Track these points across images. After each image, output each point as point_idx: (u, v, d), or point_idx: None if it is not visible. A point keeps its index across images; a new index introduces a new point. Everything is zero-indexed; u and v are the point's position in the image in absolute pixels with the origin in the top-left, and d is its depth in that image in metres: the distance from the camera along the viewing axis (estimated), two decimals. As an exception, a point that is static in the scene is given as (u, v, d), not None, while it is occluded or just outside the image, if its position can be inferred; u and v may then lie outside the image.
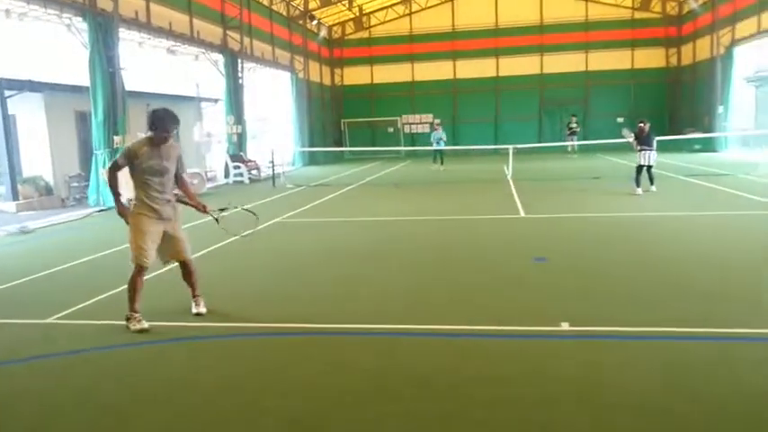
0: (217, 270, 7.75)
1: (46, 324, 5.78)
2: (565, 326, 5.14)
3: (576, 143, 28.81)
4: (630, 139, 14.03)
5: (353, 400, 3.93)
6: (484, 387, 4.02)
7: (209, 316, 5.75)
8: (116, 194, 5.62)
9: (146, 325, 5.40)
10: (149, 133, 5.43)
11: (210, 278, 6.90)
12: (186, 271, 5.81)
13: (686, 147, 27.67)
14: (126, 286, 5.56)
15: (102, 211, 14.56)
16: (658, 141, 14.15)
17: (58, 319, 5.91)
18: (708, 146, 27.46)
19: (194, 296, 5.85)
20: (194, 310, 5.78)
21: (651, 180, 13.76)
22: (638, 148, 13.52)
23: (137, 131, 18.07)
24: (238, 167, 21.83)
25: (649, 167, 13.59)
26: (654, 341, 4.80)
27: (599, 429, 3.44)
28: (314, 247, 9.23)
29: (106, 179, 5.67)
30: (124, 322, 5.46)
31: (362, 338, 5.11)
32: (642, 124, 13.66)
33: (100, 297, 6.60)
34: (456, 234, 9.95)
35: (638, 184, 13.62)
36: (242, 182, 21.46)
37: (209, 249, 8.99)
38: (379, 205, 14.11)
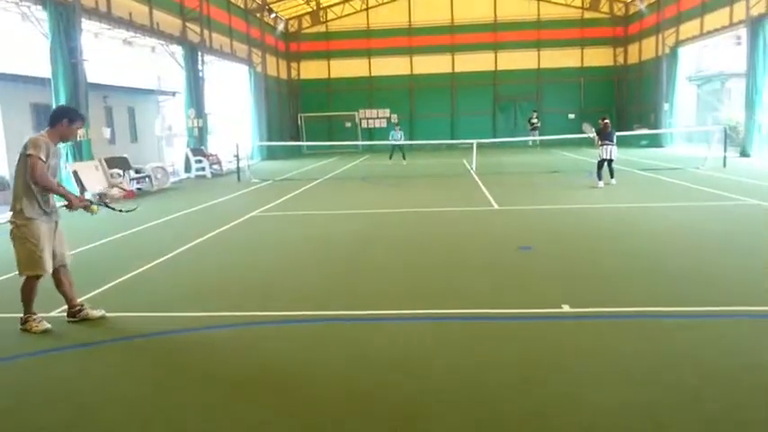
0: (212, 265, 7.80)
1: (50, 318, 5.73)
2: (566, 308, 5.49)
3: (537, 138, 29.59)
4: (592, 134, 14.66)
5: (387, 387, 4.14)
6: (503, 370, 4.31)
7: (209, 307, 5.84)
8: (61, 190, 5.36)
9: (48, 325, 5.27)
10: (49, 129, 5.18)
11: (208, 273, 6.95)
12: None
13: (634, 142, 28.90)
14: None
15: (65, 206, 14.16)
16: (611, 136, 14.89)
17: (60, 312, 5.87)
18: (654, 141, 28.77)
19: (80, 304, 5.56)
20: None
21: (612, 173, 14.42)
22: (600, 143, 14.14)
23: (98, 125, 17.69)
24: (200, 161, 21.55)
25: (610, 161, 14.23)
26: (643, 319, 5.20)
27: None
28: (300, 239, 9.34)
29: (36, 182, 5.03)
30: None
31: (379, 324, 5.32)
32: (604, 120, 14.28)
33: (106, 287, 6.57)
34: (438, 225, 10.24)
35: (599, 178, 14.24)
36: (204, 176, 21.20)
37: (192, 243, 8.99)
38: (353, 198, 14.28)
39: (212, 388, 4.08)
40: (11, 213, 5.19)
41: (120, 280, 6.99)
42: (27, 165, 5.03)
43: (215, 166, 22.21)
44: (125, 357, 4.76)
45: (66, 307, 5.64)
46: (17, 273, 5.30)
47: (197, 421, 3.63)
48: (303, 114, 36.67)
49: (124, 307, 5.97)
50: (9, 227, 5.22)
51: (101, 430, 3.58)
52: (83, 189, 14.65)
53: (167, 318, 5.62)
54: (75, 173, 14.74)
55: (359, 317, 5.48)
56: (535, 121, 31.59)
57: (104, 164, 15.99)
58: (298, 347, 4.79)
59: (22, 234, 5.12)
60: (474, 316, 5.43)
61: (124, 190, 15.65)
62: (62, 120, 5.21)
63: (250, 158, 27.95)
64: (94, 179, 15.23)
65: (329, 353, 4.64)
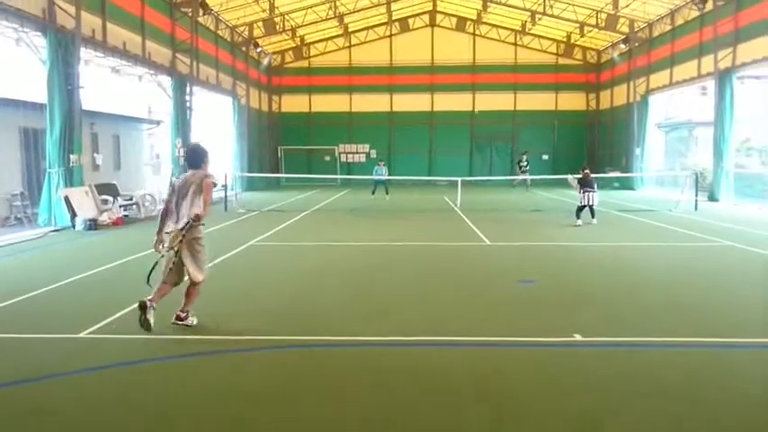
0: (234, 288, 7.99)
1: (77, 339, 5.86)
2: (578, 336, 5.87)
3: (528, 177, 29.99)
4: (574, 183, 15.43)
5: (421, 407, 4.43)
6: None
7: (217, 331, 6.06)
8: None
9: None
10: (203, 166, 6.30)
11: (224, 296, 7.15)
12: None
13: (607, 184, 29.92)
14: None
15: (56, 231, 14.16)
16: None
17: (89, 333, 6.00)
18: (626, 184, 29.88)
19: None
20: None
21: (593, 214, 15.03)
22: (582, 190, 14.88)
23: (87, 152, 17.72)
24: (185, 191, 21.59)
25: (591, 206, 14.91)
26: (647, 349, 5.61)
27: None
28: (307, 268, 9.58)
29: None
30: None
31: (403, 349, 5.61)
32: (585, 170, 15.22)
33: (126, 310, 6.70)
34: (436, 259, 10.58)
35: (578, 217, 14.93)
36: (189, 205, 21.20)
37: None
38: (346, 231, 14.56)
39: (230, 406, 4.30)
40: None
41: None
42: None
43: (199, 196, 22.25)
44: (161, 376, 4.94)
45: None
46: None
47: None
48: (283, 147, 37.03)
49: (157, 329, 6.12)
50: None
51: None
52: (74, 214, 14.64)
53: (204, 340, 5.81)
54: (66, 198, 14.74)
55: (385, 342, 5.77)
56: (525, 163, 31.54)
57: (94, 190, 16.01)
58: (322, 371, 5.04)
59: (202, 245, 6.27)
60: (491, 343, 5.77)
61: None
62: (206, 159, 6.37)
63: (231, 189, 28.10)
64: (85, 205, 15.23)
65: (358, 378, 4.91)
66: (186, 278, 6.15)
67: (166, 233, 6.08)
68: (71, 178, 15.42)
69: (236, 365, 5.17)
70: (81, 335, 5.95)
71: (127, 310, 6.78)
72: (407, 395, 4.47)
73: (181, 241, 5.95)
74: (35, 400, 4.41)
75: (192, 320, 6.18)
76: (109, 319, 6.43)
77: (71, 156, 15.21)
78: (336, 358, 5.39)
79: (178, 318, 6.14)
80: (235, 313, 6.86)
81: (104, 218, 15.43)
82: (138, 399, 4.44)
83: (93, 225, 14.49)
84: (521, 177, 30.65)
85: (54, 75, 14.82)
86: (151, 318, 5.88)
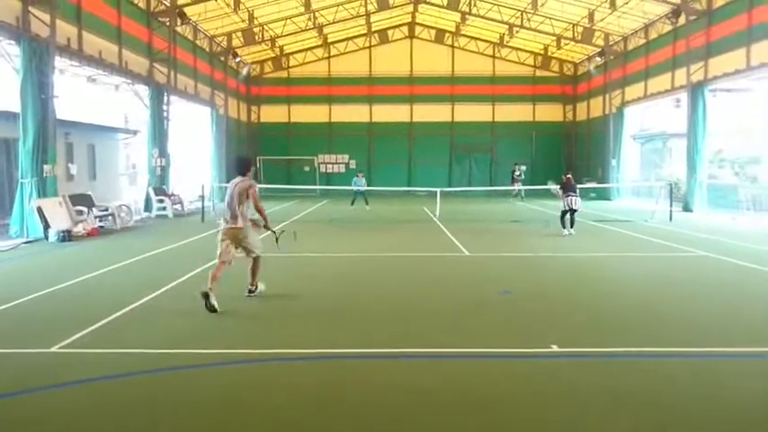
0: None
1: (48, 354, 5.73)
2: (555, 347, 5.88)
3: (522, 188, 30.07)
4: (557, 191, 15.57)
5: (401, 419, 4.39)
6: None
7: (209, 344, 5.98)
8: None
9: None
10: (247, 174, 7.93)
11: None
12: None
13: (583, 195, 30.12)
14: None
15: (28, 242, 13.89)
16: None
17: (60, 348, 5.87)
18: (602, 195, 30.25)
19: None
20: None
21: (572, 223, 15.18)
22: (565, 195, 15.01)
23: (61, 162, 17.44)
24: (162, 201, 21.38)
25: (574, 211, 15.04)
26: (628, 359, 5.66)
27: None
28: (283, 280, 9.49)
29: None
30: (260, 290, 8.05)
31: (389, 362, 5.58)
32: (567, 176, 15.40)
33: (98, 324, 6.57)
34: (414, 270, 10.56)
35: (564, 226, 15.06)
36: (166, 216, 21.01)
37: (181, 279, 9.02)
38: (325, 242, 14.46)
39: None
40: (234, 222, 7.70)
41: (112, 317, 6.99)
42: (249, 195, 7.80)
43: (177, 206, 22.06)
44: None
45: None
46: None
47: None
48: (262, 157, 36.83)
49: (120, 343, 6.02)
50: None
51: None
52: (47, 226, 14.38)
53: (171, 354, 5.71)
54: (39, 209, 14.47)
55: (362, 355, 5.73)
56: (518, 173, 31.56)
57: (68, 201, 15.73)
58: (307, 383, 4.99)
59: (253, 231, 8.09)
60: (473, 355, 5.76)
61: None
62: (249, 167, 8.10)
63: (210, 199, 27.86)
64: (58, 216, 14.95)
65: (345, 391, 4.86)
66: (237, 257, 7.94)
67: (225, 227, 7.75)
68: (44, 189, 15.13)
69: (213, 379, 5.09)
70: (52, 349, 5.81)
71: (99, 324, 6.66)
72: (386, 408, 4.44)
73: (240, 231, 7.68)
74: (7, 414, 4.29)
75: (262, 288, 8.08)
76: (81, 333, 6.29)
77: (45, 166, 14.94)
78: (312, 372, 5.33)
79: (250, 291, 8.05)
80: (206, 327, 6.76)
81: (79, 229, 15.17)
82: (112, 414, 4.34)
83: (66, 236, 14.23)
84: (517, 188, 30.71)
85: (28, 84, 14.58)
86: (214, 302, 7.10)
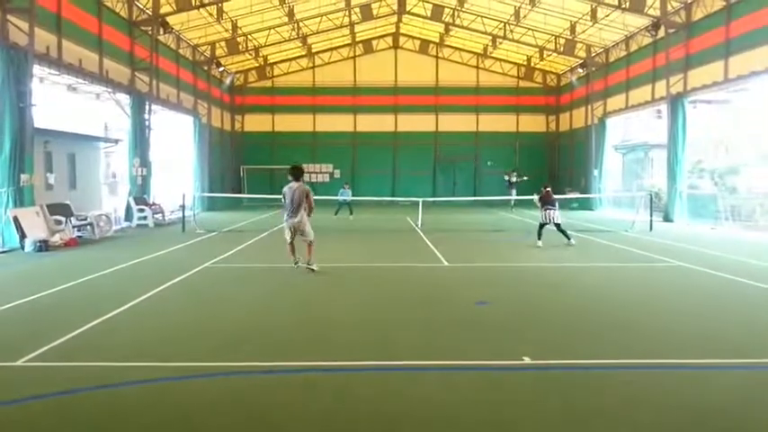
0: (176, 315, 7.77)
1: (14, 367, 5.63)
2: (527, 359, 5.87)
3: (514, 197, 28.99)
4: (535, 198, 15.61)
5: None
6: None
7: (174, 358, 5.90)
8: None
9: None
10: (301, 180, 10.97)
11: (173, 323, 6.96)
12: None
13: (566, 205, 30.38)
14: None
15: (4, 252, 13.70)
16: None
17: (26, 362, 5.76)
18: (584, 205, 30.46)
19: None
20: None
21: (566, 236, 15.07)
22: (543, 208, 15.04)
23: (39, 171, 17.23)
24: (143, 210, 21.20)
25: (557, 225, 15.02)
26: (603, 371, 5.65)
27: None
28: (260, 292, 9.42)
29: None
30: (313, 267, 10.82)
31: (370, 374, 5.53)
32: (546, 188, 15.41)
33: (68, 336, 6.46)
34: (392, 281, 10.52)
35: (539, 237, 15.05)
36: (146, 225, 20.83)
37: (140, 298, 8.92)
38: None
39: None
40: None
41: (81, 330, 6.88)
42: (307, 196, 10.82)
43: (157, 216, 21.88)
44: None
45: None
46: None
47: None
48: (245, 166, 36.73)
49: (95, 356, 5.92)
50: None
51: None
52: (23, 235, 14.19)
53: (131, 368, 5.63)
54: (15, 218, 14.29)
55: (332, 367, 5.68)
56: (515, 179, 30.01)
57: (45, 210, 15.54)
58: (281, 397, 4.93)
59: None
60: (441, 367, 5.72)
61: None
62: (303, 174, 11.11)
63: (192, 209, 27.66)
64: (35, 225, 14.76)
65: (317, 402, 4.81)
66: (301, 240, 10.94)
67: (288, 221, 10.74)
68: (21, 198, 14.96)
69: (188, 392, 5.02)
70: (18, 363, 5.71)
71: (69, 336, 6.55)
72: (353, 421, 4.39)
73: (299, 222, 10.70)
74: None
75: (316, 266, 10.85)
76: (49, 346, 6.19)
77: (22, 175, 14.78)
78: (284, 384, 5.27)
79: (309, 267, 10.81)
80: (168, 340, 6.67)
81: (56, 239, 14.98)
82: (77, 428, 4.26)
83: (43, 246, 14.04)
84: (514, 198, 30.16)
85: (5, 92, 14.45)
86: (301, 263, 10.98)
